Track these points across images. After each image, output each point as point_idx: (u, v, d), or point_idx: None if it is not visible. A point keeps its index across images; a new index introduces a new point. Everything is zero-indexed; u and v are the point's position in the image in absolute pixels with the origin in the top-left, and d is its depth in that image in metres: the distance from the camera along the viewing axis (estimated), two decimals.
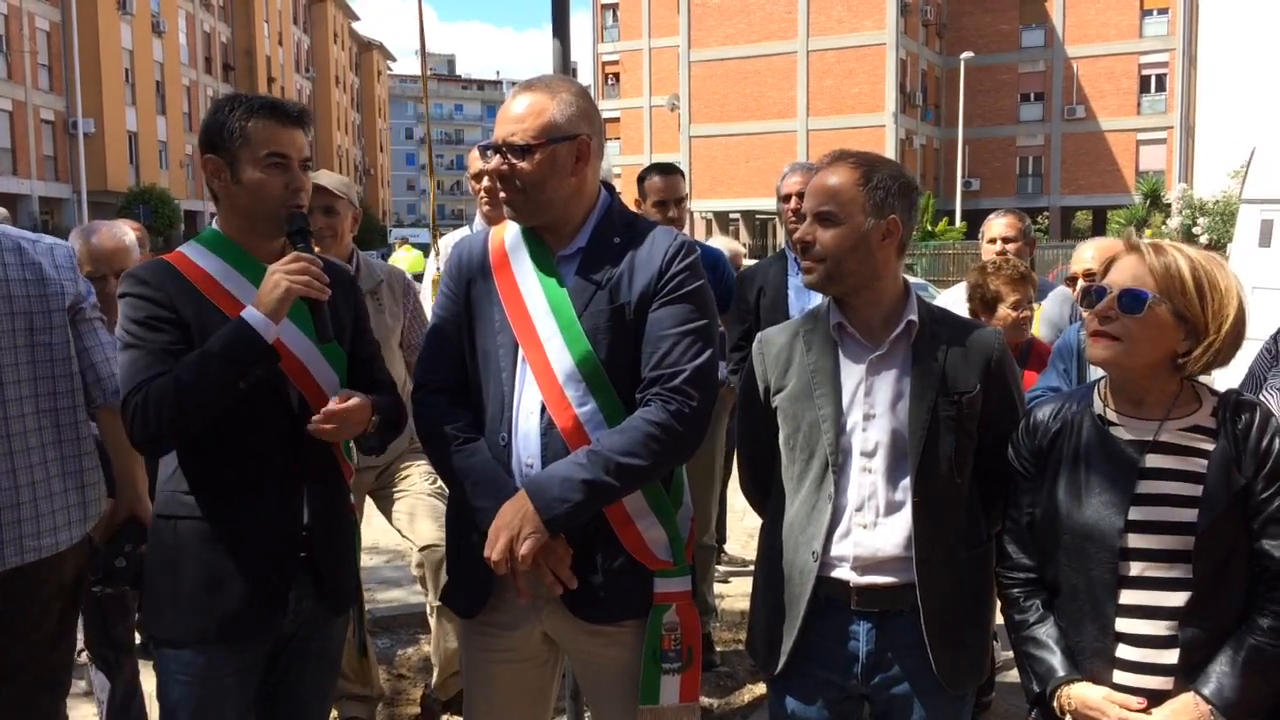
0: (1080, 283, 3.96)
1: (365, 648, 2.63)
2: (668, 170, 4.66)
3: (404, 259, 18.84)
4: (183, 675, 2.38)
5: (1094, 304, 2.10)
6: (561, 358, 2.28)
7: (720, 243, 6.40)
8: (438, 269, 3.91)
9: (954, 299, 4.61)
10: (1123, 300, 2.06)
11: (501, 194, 2.35)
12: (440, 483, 3.95)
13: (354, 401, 2.36)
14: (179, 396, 2.23)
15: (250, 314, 2.25)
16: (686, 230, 4.88)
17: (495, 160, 2.31)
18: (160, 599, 2.41)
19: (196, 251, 2.44)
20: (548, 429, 2.29)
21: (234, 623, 2.35)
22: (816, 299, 2.43)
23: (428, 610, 4.03)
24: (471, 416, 2.39)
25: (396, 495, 3.95)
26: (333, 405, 2.34)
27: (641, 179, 4.66)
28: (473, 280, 2.42)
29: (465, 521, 2.36)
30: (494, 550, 2.21)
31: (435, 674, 4.07)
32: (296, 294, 2.27)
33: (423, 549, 3.81)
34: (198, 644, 2.37)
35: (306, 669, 2.53)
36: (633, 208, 4.59)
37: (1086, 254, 3.96)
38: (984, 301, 3.81)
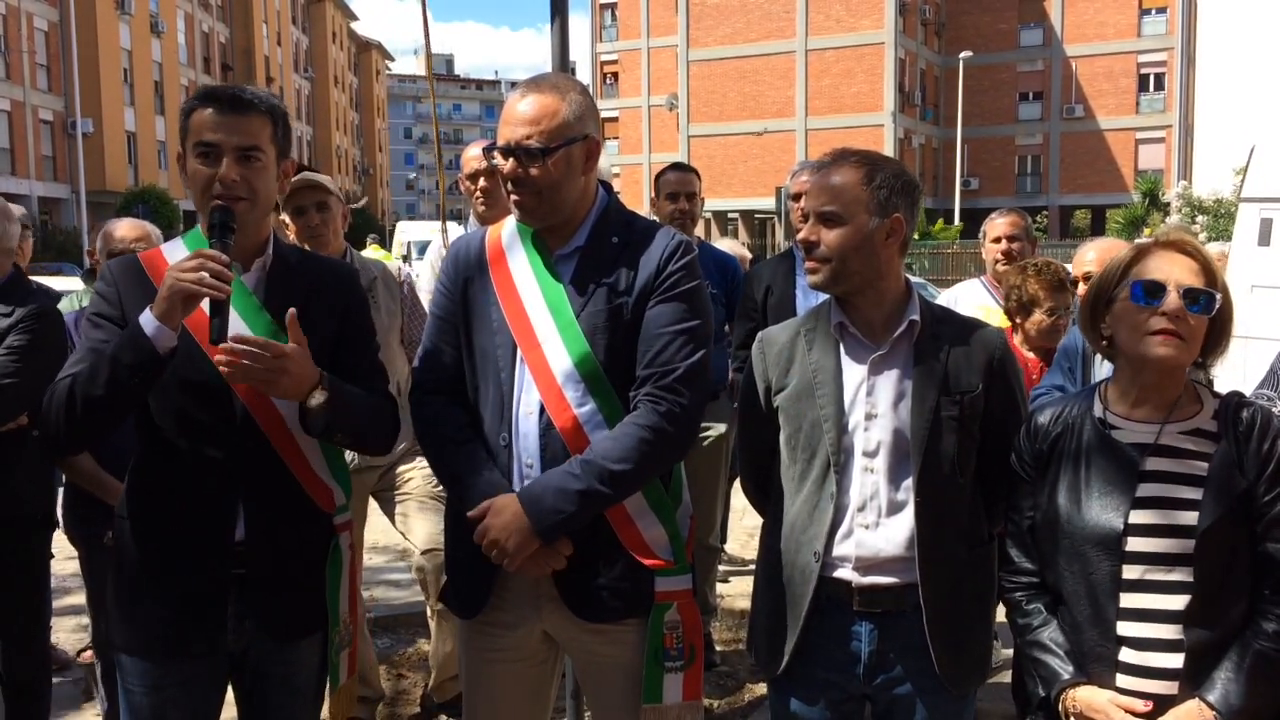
0: (1081, 286, 3.94)
1: (338, 677, 2.47)
2: (682, 168, 4.83)
3: (372, 257, 18.78)
4: (127, 679, 2.35)
5: (1150, 302, 2.05)
6: (560, 358, 2.28)
7: (725, 245, 6.40)
8: (400, 262, 3.94)
9: (953, 298, 4.60)
10: (1200, 300, 2.04)
11: (514, 197, 2.31)
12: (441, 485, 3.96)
13: (277, 345, 2.12)
14: (71, 398, 2.14)
15: (144, 316, 2.10)
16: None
17: (510, 165, 2.27)
18: (111, 598, 2.37)
19: (172, 248, 2.38)
20: (547, 429, 2.28)
21: (157, 633, 2.28)
22: (824, 298, 2.41)
23: (428, 613, 4.03)
24: (469, 417, 2.38)
25: (398, 497, 3.96)
26: (241, 341, 2.10)
27: (658, 176, 4.79)
28: (470, 280, 2.40)
29: (464, 523, 2.34)
30: (486, 551, 2.24)
31: (432, 677, 4.07)
32: (184, 292, 2.07)
33: (424, 552, 3.80)
34: (133, 650, 2.32)
35: (270, 694, 2.41)
36: (647, 205, 4.65)
37: (1089, 255, 3.93)
38: (1020, 304, 3.75)
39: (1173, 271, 2.06)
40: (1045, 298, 3.70)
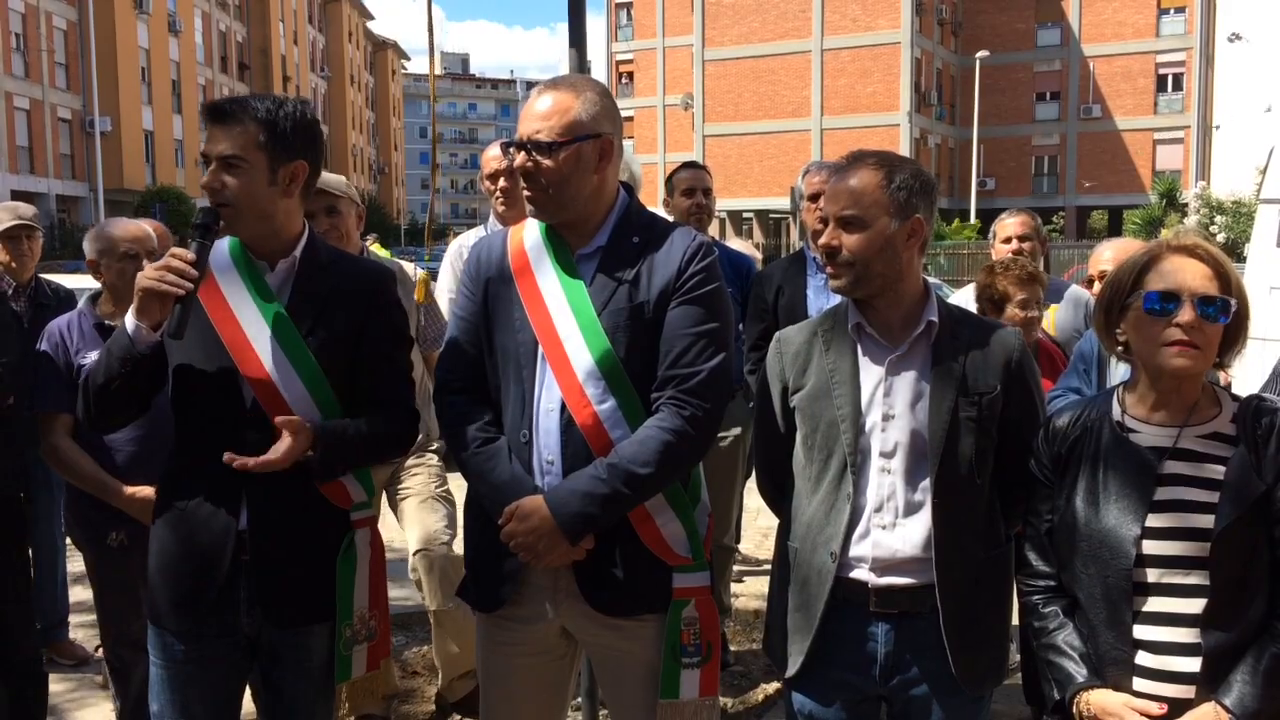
0: (1097, 285, 3.93)
1: (348, 670, 2.51)
2: (695, 165, 4.85)
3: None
4: (154, 651, 2.47)
5: (1165, 313, 2.04)
6: (581, 356, 2.30)
7: (735, 245, 6.40)
8: (424, 270, 3.95)
9: (965, 298, 4.60)
10: (1209, 308, 2.03)
11: (525, 191, 2.35)
12: (445, 484, 3.98)
13: (268, 457, 2.27)
14: (85, 385, 2.39)
15: (128, 315, 2.30)
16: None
17: (520, 157, 2.32)
18: (149, 571, 2.49)
19: (218, 246, 2.47)
20: (568, 426, 2.30)
21: (169, 609, 2.42)
22: (835, 299, 2.41)
23: (429, 615, 4.03)
24: (492, 415, 2.41)
25: (401, 495, 3.97)
26: (246, 460, 2.28)
27: (671, 176, 4.79)
28: (491, 280, 2.43)
29: (485, 519, 2.37)
30: (515, 552, 2.28)
31: (440, 678, 4.08)
32: (149, 290, 2.24)
33: (415, 554, 3.81)
34: (159, 622, 2.45)
35: (286, 679, 2.48)
36: (660, 206, 4.65)
37: (1105, 254, 3.93)
38: (992, 302, 3.79)
39: (1186, 279, 2.05)
40: (1015, 292, 3.73)
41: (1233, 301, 2.04)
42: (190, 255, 2.27)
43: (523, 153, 2.31)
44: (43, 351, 3.44)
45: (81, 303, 3.61)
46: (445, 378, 2.47)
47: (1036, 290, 3.76)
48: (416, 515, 3.90)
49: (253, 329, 2.37)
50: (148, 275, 2.25)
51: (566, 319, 2.32)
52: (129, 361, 2.29)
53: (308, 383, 2.39)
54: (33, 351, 3.46)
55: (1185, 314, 2.02)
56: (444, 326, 3.97)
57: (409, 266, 4.13)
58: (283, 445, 2.28)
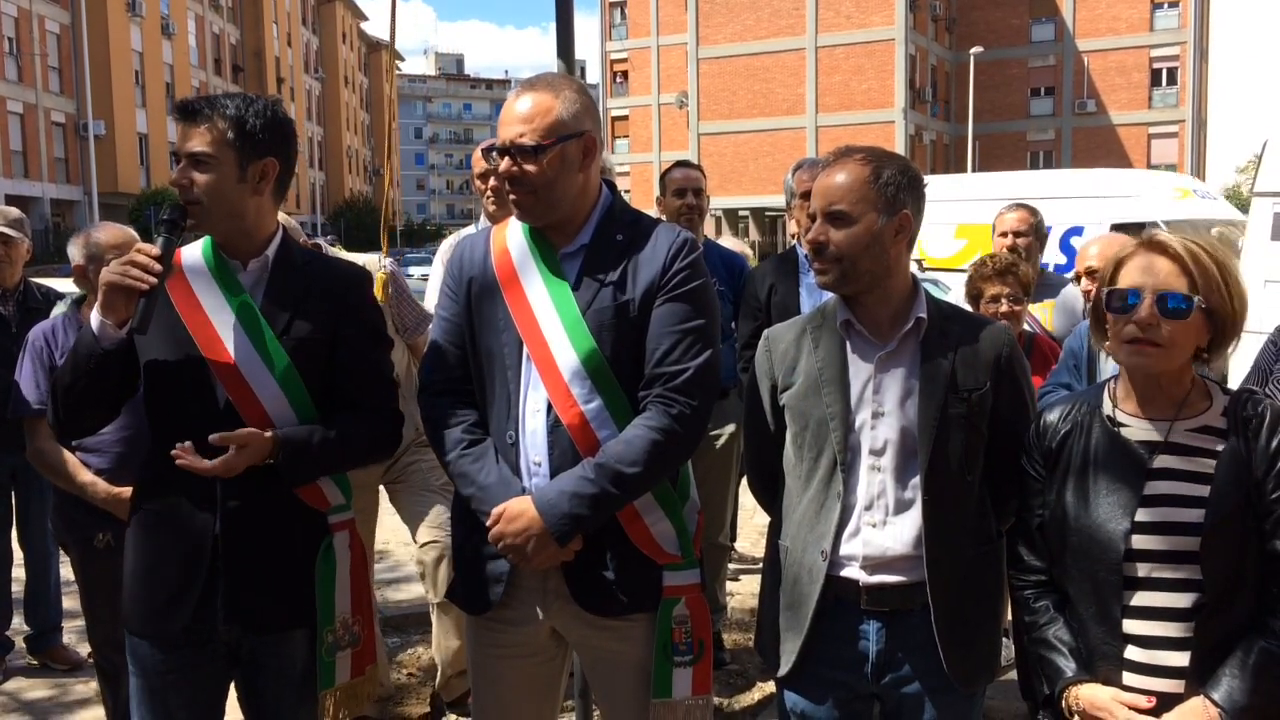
0: (1084, 281, 3.93)
1: (330, 676, 2.47)
2: (687, 165, 4.84)
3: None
4: (134, 661, 2.45)
5: (1126, 309, 2.04)
6: (566, 355, 2.28)
7: (727, 243, 6.39)
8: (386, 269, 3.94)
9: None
10: (1169, 306, 2.01)
11: (511, 195, 2.33)
12: (445, 477, 3.98)
13: (216, 462, 2.25)
14: (53, 387, 2.38)
15: (93, 313, 2.29)
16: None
17: (505, 163, 2.29)
18: (125, 582, 2.47)
19: (192, 247, 2.46)
20: (554, 427, 2.29)
21: (146, 618, 2.40)
22: (828, 295, 2.40)
23: (430, 608, 4.05)
24: (477, 416, 2.39)
25: (402, 490, 4.00)
26: (190, 456, 2.26)
27: (664, 175, 4.78)
28: (474, 280, 2.41)
29: (473, 521, 2.36)
30: (502, 553, 2.27)
31: (439, 675, 4.08)
32: (112, 285, 2.23)
33: (421, 546, 3.84)
34: (138, 632, 2.43)
35: (268, 685, 2.46)
36: (654, 205, 4.63)
37: (1091, 250, 3.94)
38: (972, 298, 3.83)
39: (1148, 277, 2.04)
40: (985, 287, 3.78)
41: (1196, 299, 2.02)
42: (155, 250, 2.26)
43: (506, 158, 2.29)
44: (25, 356, 3.42)
45: (66, 307, 3.60)
46: (429, 379, 2.45)
47: (1011, 284, 3.76)
48: (419, 508, 3.93)
49: (219, 319, 2.35)
50: (112, 270, 2.23)
51: (551, 319, 2.30)
52: (93, 359, 2.27)
53: (280, 379, 2.36)
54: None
55: (1140, 310, 2.02)
56: (421, 311, 3.99)
57: (373, 262, 4.06)
58: (224, 457, 2.26)
